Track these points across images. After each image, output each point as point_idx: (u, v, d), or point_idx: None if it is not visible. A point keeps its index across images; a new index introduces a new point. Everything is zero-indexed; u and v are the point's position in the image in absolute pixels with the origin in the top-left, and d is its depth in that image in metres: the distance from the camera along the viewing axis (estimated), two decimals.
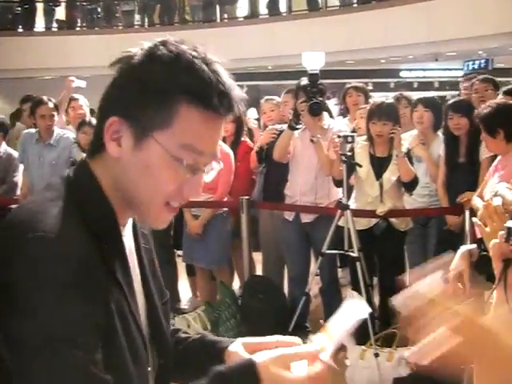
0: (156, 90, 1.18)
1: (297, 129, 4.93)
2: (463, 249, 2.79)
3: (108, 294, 1.17)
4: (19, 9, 17.25)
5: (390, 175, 4.68)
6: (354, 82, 6.38)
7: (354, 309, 1.32)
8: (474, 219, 2.10)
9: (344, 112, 6.84)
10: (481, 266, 2.30)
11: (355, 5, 15.95)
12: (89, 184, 1.24)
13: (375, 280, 5.00)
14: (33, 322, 1.07)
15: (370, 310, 1.34)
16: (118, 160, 1.22)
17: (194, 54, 1.28)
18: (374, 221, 4.72)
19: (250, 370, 1.19)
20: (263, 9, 17.30)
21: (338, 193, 4.93)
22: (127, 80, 1.23)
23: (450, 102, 5.03)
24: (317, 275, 5.13)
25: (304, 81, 4.92)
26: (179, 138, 1.18)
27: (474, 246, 2.84)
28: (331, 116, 5.53)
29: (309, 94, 4.76)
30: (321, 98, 4.83)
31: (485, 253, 2.11)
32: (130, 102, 1.20)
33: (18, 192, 6.07)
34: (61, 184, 1.24)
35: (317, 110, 4.74)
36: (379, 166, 4.70)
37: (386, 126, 4.65)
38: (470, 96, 5.44)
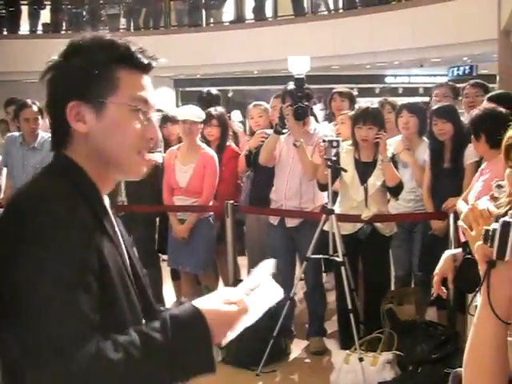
0: (96, 69, 1.43)
1: (283, 133, 4.93)
2: (447, 253, 2.81)
3: (100, 244, 1.37)
4: (4, 11, 17.12)
5: (375, 180, 4.69)
6: (340, 87, 6.40)
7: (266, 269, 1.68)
8: (460, 223, 2.10)
9: (329, 117, 6.86)
10: (465, 269, 2.31)
11: (341, 10, 16.01)
12: (69, 166, 1.47)
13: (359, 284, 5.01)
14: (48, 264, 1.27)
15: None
16: (87, 136, 1.45)
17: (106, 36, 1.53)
18: (358, 225, 4.73)
19: (191, 307, 1.39)
20: (249, 13, 17.32)
21: (323, 197, 4.93)
22: (67, 73, 1.46)
23: (435, 107, 5.05)
24: (301, 280, 5.14)
25: (291, 85, 4.93)
26: (129, 94, 1.46)
27: (458, 250, 2.86)
28: (317, 121, 5.55)
29: (294, 99, 4.77)
30: (307, 103, 4.84)
31: (469, 256, 2.12)
32: (79, 86, 1.43)
33: (1, 195, 6.02)
34: (49, 173, 1.52)
35: (301, 114, 4.75)
36: (364, 170, 4.72)
37: (372, 131, 4.66)
38: (456, 102, 5.52)
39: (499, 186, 3.42)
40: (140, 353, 1.27)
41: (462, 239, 3.02)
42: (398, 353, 4.29)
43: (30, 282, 1.26)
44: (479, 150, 4.14)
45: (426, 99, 5.89)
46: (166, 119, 6.25)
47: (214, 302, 1.44)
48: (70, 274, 1.27)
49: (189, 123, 5.15)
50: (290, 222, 5.02)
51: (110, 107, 1.44)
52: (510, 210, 2.30)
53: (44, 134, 5.85)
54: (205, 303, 1.41)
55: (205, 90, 6.54)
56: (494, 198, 2.20)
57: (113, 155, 1.47)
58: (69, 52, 1.51)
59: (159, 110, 6.77)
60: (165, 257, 5.88)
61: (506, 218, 1.40)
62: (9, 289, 1.28)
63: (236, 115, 7.02)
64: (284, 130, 4.94)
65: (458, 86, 6.07)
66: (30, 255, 1.28)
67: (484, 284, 1.46)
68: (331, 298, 5.28)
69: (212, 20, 17.69)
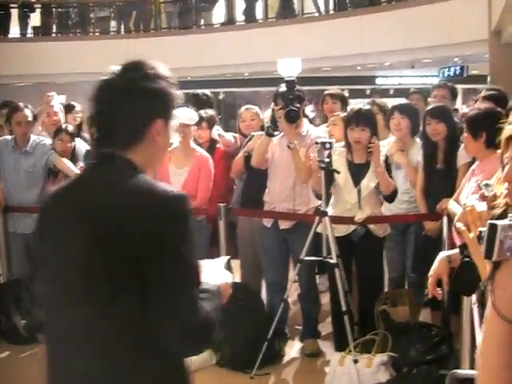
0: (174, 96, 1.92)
1: (274, 135, 4.92)
2: (442, 254, 2.80)
3: None
4: None
5: (368, 182, 4.68)
6: (331, 89, 6.38)
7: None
8: (459, 224, 2.10)
9: (321, 119, 6.86)
10: (463, 272, 2.30)
11: (331, 12, 16.02)
12: (135, 166, 1.84)
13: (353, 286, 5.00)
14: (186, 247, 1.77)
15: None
16: (154, 143, 1.88)
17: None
18: (352, 227, 4.72)
19: (215, 286, 2.01)
20: (239, 16, 17.32)
21: (317, 200, 4.92)
22: (157, 94, 1.87)
23: (428, 107, 5.06)
24: (295, 282, 5.13)
25: (282, 87, 4.92)
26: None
27: (453, 251, 2.85)
28: (310, 122, 5.54)
29: (286, 101, 4.76)
30: (298, 105, 4.83)
31: (467, 259, 2.11)
32: (165, 108, 1.90)
33: None
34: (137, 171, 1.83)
35: (294, 117, 4.74)
36: (357, 172, 4.70)
37: (364, 132, 4.66)
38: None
39: (487, 185, 3.42)
40: (211, 305, 1.84)
41: (458, 241, 3.00)
42: (392, 354, 4.28)
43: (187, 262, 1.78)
44: (474, 148, 4.12)
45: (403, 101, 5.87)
46: None
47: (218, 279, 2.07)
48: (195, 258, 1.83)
49: (182, 126, 5.13)
50: (284, 224, 5.01)
51: (168, 125, 1.93)
52: (506, 211, 2.31)
53: (36, 138, 5.81)
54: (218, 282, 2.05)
55: (198, 91, 6.49)
56: (483, 198, 2.21)
57: (159, 158, 2.00)
58: (151, 74, 1.87)
59: None
60: None
61: (493, 221, 1.44)
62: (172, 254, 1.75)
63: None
64: (276, 133, 4.93)
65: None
66: (190, 243, 1.80)
67: (490, 285, 1.47)
68: (325, 299, 5.27)
69: (202, 22, 17.68)
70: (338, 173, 4.63)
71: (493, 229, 1.43)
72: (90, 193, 1.81)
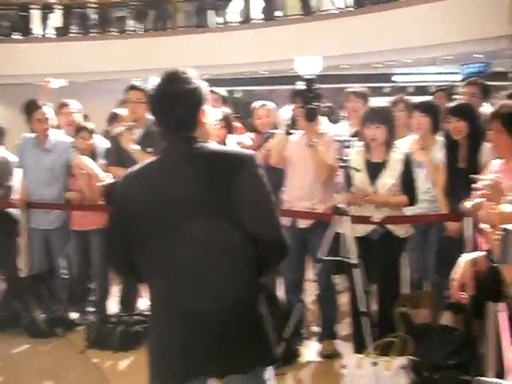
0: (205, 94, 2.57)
1: (291, 134, 4.88)
2: (466, 257, 2.74)
3: None
4: (16, 16, 17.22)
5: (385, 181, 4.62)
6: (354, 87, 6.31)
7: None
8: (485, 226, 2.03)
9: (337, 117, 6.82)
10: (489, 279, 2.23)
11: (350, 9, 15.90)
12: (197, 140, 2.51)
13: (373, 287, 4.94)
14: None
15: None
16: (203, 124, 2.54)
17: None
18: (370, 228, 4.65)
19: None
20: (257, 13, 17.26)
21: (334, 199, 4.87)
22: (198, 92, 2.54)
23: (449, 105, 4.96)
24: (313, 281, 5.07)
25: (300, 85, 4.87)
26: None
27: (477, 254, 2.78)
28: (330, 120, 5.48)
29: (305, 99, 4.71)
30: (317, 103, 4.78)
31: (494, 265, 2.03)
32: (202, 101, 2.54)
33: (14, 196, 6.02)
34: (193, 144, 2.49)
35: (312, 115, 4.69)
36: (374, 171, 4.64)
37: (380, 129, 4.59)
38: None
39: None
40: None
41: (483, 246, 2.92)
42: (412, 358, 4.20)
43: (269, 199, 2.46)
44: (505, 147, 3.83)
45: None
46: None
47: None
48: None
49: None
50: (302, 223, 4.96)
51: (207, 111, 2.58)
52: None
53: (57, 136, 5.85)
54: None
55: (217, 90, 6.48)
56: None
57: (209, 134, 2.59)
58: (187, 79, 2.53)
59: None
60: None
61: (509, 226, 1.44)
62: (261, 201, 2.44)
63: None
64: (293, 131, 4.88)
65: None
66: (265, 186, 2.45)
67: None
68: (342, 300, 5.21)
69: (219, 21, 17.65)
70: (358, 171, 4.57)
71: (507, 233, 1.44)
72: (179, 159, 2.48)
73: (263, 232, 2.42)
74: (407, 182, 4.68)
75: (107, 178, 5.51)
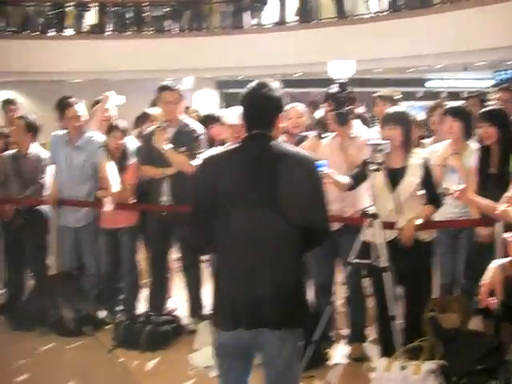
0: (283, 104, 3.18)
1: (323, 137, 4.89)
2: (495, 263, 2.74)
3: None
4: (50, 13, 17.37)
5: (406, 187, 4.60)
6: (382, 91, 6.34)
7: None
8: (506, 234, 2.04)
9: (371, 121, 6.81)
10: None
11: (384, 13, 15.86)
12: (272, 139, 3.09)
13: (399, 291, 4.93)
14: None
15: None
16: (278, 128, 3.13)
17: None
18: (395, 233, 4.64)
19: None
20: (292, 16, 17.28)
21: (364, 202, 4.87)
22: (277, 99, 3.13)
23: (481, 110, 4.96)
24: (343, 284, 5.08)
25: (333, 88, 4.88)
26: None
27: (507, 259, 2.78)
28: (365, 123, 5.48)
29: (337, 103, 4.73)
30: (350, 106, 4.79)
31: None
32: (281, 108, 3.16)
33: (45, 193, 6.07)
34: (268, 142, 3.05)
35: (343, 119, 4.70)
36: (394, 177, 4.61)
37: (394, 131, 4.57)
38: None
39: None
40: None
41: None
42: (441, 362, 4.19)
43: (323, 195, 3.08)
44: None
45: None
46: (213, 119, 6.27)
47: None
48: None
49: (237, 127, 5.14)
50: (332, 226, 4.95)
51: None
52: None
53: (89, 134, 5.89)
54: None
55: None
56: None
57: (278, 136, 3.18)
58: (273, 88, 3.10)
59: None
60: (206, 257, 5.89)
61: None
62: (317, 193, 3.08)
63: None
64: (325, 134, 4.89)
65: None
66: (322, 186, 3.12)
67: None
68: (371, 303, 5.21)
69: (255, 22, 17.70)
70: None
71: None
72: (263, 151, 3.02)
73: (317, 222, 3.07)
74: (429, 188, 4.67)
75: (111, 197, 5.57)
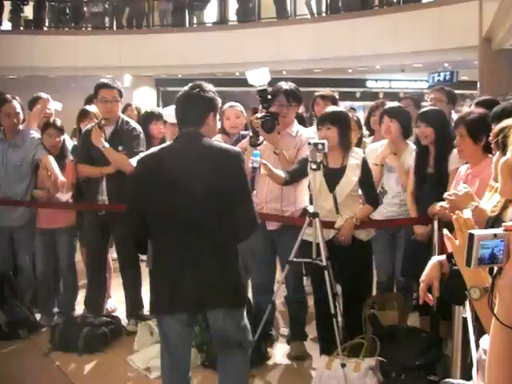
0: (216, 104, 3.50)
1: (258, 145, 4.80)
2: (434, 260, 2.78)
3: None
4: None
5: (344, 186, 4.63)
6: (322, 91, 6.36)
7: None
8: (445, 231, 2.08)
9: (311, 120, 6.85)
10: (452, 281, 2.27)
11: (324, 14, 16.02)
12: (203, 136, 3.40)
13: (339, 289, 4.98)
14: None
15: None
16: (209, 126, 3.42)
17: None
18: (332, 232, 4.67)
19: None
20: (232, 15, 17.29)
21: (304, 201, 4.89)
22: (209, 99, 3.44)
23: (420, 111, 5.04)
24: (282, 283, 5.09)
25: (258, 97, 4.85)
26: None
27: (445, 257, 2.83)
28: (301, 123, 5.49)
29: (262, 110, 4.71)
30: (274, 112, 4.75)
31: (456, 267, 2.08)
32: (212, 108, 3.43)
33: None
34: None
35: (268, 127, 4.66)
36: (332, 177, 4.63)
37: (330, 131, 4.60)
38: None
39: None
40: None
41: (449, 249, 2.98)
42: (380, 359, 4.24)
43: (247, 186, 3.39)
44: (470, 152, 4.07)
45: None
46: (155, 117, 6.18)
47: None
48: None
49: (172, 125, 5.10)
50: (271, 225, 4.96)
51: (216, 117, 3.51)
52: (500, 213, 2.29)
53: (26, 131, 5.73)
54: None
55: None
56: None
57: (212, 135, 3.57)
58: (206, 89, 3.42)
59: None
60: (144, 257, 5.80)
61: (472, 230, 1.52)
62: (242, 185, 3.36)
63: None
64: (259, 142, 4.82)
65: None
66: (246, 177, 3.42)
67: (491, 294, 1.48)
68: (311, 302, 5.23)
69: (195, 21, 17.65)
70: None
71: (471, 238, 1.51)
72: (193, 147, 3.34)
73: (244, 211, 3.36)
74: (368, 188, 4.73)
75: (61, 186, 5.45)
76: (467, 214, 1.98)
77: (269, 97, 4.70)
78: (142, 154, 3.70)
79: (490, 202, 3.19)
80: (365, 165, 4.68)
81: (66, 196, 5.52)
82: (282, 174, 4.66)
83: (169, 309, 3.37)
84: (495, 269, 1.52)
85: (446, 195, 3.61)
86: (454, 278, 2.18)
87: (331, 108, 4.91)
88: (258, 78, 4.65)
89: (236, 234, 3.38)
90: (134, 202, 3.47)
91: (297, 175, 4.68)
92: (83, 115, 6.10)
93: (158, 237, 3.40)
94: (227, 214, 3.29)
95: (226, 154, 3.36)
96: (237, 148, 3.63)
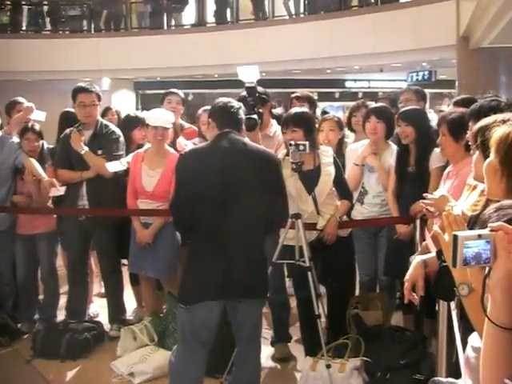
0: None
1: None
2: (417, 259, 2.78)
3: None
4: None
5: (323, 186, 4.63)
6: (298, 92, 6.37)
7: None
8: (435, 227, 2.09)
9: None
10: (441, 278, 2.27)
11: (302, 15, 16.05)
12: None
13: (322, 290, 4.98)
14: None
15: None
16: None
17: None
18: (314, 234, 4.66)
19: None
20: (210, 17, 17.27)
21: None
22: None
23: (401, 110, 5.06)
24: None
25: (244, 93, 4.86)
26: None
27: (428, 255, 2.83)
28: (279, 123, 5.48)
29: (247, 108, 4.70)
30: (260, 110, 4.76)
31: (445, 264, 2.09)
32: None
33: None
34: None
35: (251, 125, 4.66)
36: (309, 179, 4.59)
37: (296, 133, 4.58)
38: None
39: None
40: None
41: (432, 250, 2.98)
42: (365, 359, 4.24)
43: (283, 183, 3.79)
44: (453, 151, 4.10)
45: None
46: (137, 122, 6.01)
47: None
48: None
49: (161, 129, 5.07)
50: None
51: None
52: (482, 212, 2.31)
53: (8, 136, 5.65)
54: None
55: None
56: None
57: None
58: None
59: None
60: (125, 261, 5.77)
61: (456, 232, 1.54)
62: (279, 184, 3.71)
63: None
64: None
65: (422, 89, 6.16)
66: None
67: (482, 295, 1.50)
68: (294, 303, 5.23)
69: (173, 23, 17.61)
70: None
71: (455, 239, 1.52)
72: (233, 147, 3.59)
73: (279, 209, 3.73)
74: (341, 184, 4.74)
75: (51, 184, 5.39)
76: (457, 210, 1.98)
77: (257, 94, 4.70)
78: (187, 150, 4.04)
79: (467, 201, 3.21)
80: (336, 161, 4.70)
81: (62, 189, 5.44)
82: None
83: (202, 297, 3.49)
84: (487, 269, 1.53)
85: (425, 195, 3.66)
86: (443, 275, 2.19)
87: (294, 110, 4.90)
88: (248, 75, 4.66)
89: (271, 224, 3.76)
90: (183, 193, 3.59)
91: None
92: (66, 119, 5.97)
93: (200, 227, 3.55)
94: (264, 215, 3.53)
95: (270, 159, 3.75)
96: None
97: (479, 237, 1.51)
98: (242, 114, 3.75)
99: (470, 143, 3.05)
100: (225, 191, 3.48)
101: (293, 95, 6.18)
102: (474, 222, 2.39)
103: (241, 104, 3.80)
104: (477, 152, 2.53)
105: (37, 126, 5.66)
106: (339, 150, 5.41)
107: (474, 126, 2.61)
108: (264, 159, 3.66)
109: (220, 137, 3.63)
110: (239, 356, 3.83)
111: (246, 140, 3.71)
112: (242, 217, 3.47)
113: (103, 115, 6.25)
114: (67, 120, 5.81)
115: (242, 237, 3.49)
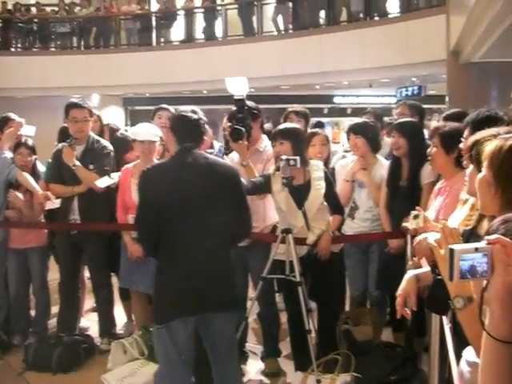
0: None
1: (226, 154, 4.85)
2: (410, 273, 2.79)
3: None
4: None
5: (313, 201, 4.63)
6: (295, 107, 6.35)
7: None
8: (430, 241, 2.09)
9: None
10: (436, 291, 2.28)
11: (291, 31, 16.13)
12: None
13: (313, 305, 4.98)
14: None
15: None
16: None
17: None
18: (305, 249, 4.67)
19: None
20: (199, 33, 17.33)
21: (275, 217, 4.88)
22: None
23: (397, 121, 5.06)
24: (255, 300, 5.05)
25: (234, 108, 4.87)
26: None
27: (421, 270, 2.84)
28: (269, 138, 5.50)
29: (234, 120, 4.72)
30: (250, 122, 4.77)
31: (439, 277, 2.09)
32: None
33: None
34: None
35: (237, 135, 4.67)
36: (299, 194, 4.58)
37: (283, 146, 4.61)
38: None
39: (416, 217, 3.52)
40: None
41: (424, 265, 2.98)
42: (355, 374, 4.24)
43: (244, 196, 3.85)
44: (443, 164, 4.04)
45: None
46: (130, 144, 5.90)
47: None
48: None
49: (147, 143, 5.08)
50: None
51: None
52: (475, 226, 2.31)
53: (0, 152, 5.61)
54: None
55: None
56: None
57: None
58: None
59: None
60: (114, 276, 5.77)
61: (452, 246, 1.53)
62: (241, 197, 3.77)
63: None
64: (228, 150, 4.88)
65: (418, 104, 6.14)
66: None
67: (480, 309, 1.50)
68: (284, 318, 5.22)
69: (162, 39, 17.65)
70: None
71: (451, 253, 1.51)
72: (194, 161, 3.62)
73: (242, 222, 3.78)
74: (332, 198, 4.74)
75: (45, 198, 5.39)
76: (453, 224, 1.99)
77: (245, 107, 4.71)
78: (149, 167, 3.97)
79: (459, 215, 3.21)
80: (326, 176, 4.70)
81: (57, 201, 5.44)
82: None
83: (178, 313, 3.51)
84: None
85: (417, 209, 3.65)
86: (438, 288, 2.18)
87: (283, 125, 4.92)
88: (237, 87, 4.66)
89: (234, 238, 3.83)
90: (148, 209, 3.62)
91: (260, 187, 4.65)
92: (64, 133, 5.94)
93: (167, 243, 3.57)
94: (228, 228, 3.61)
95: (232, 173, 3.76)
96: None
97: (476, 250, 1.51)
98: (202, 125, 3.76)
99: (461, 156, 3.04)
100: (187, 206, 3.53)
101: (290, 109, 6.14)
102: (467, 236, 2.40)
103: (200, 115, 3.87)
104: (471, 166, 2.52)
105: (30, 142, 5.67)
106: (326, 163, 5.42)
107: (469, 139, 2.60)
108: (225, 173, 3.69)
109: (180, 152, 3.67)
110: (218, 375, 3.79)
111: (207, 154, 3.76)
112: (204, 230, 3.52)
113: (100, 134, 6.16)
114: (66, 135, 5.80)
115: (207, 250, 3.53)
